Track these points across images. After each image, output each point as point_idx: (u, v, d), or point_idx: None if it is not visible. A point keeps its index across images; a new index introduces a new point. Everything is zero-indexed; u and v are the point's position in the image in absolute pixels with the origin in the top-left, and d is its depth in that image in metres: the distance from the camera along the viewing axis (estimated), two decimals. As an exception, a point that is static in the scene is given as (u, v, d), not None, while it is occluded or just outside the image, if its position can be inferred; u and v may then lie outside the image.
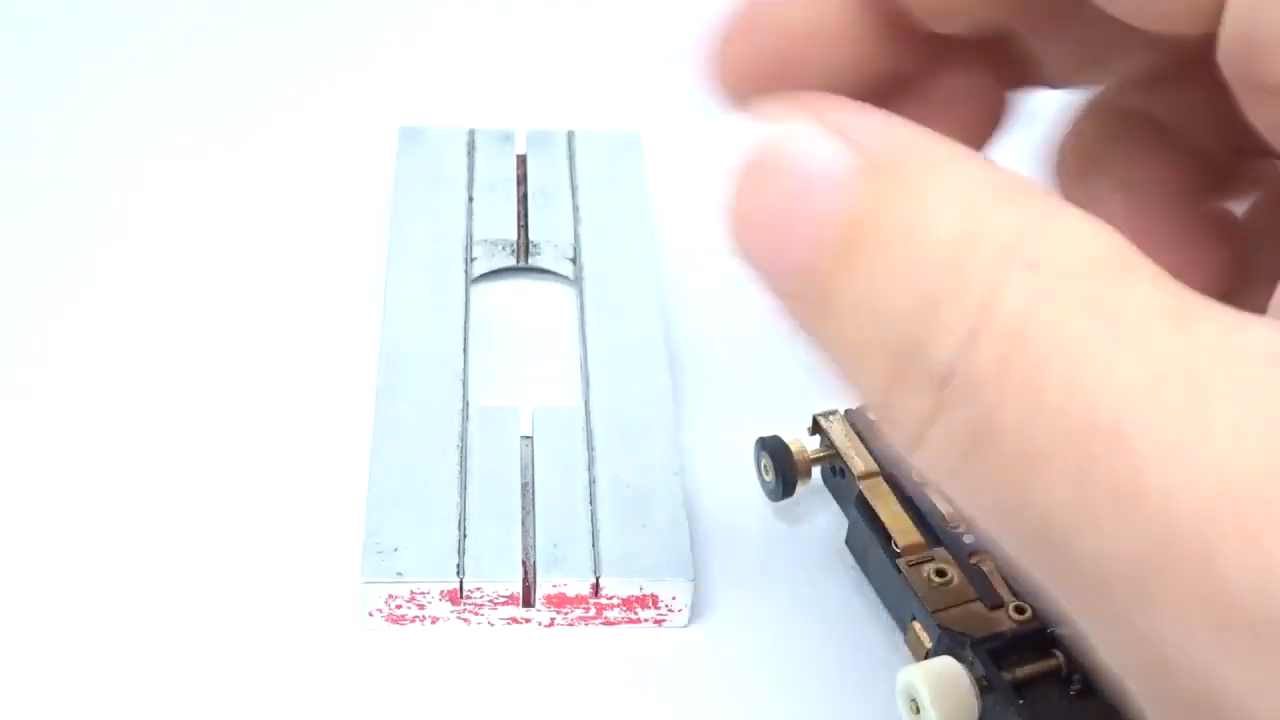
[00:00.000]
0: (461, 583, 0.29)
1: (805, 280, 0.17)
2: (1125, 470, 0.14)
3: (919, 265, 0.16)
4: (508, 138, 0.41)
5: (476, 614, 0.29)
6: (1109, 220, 0.16)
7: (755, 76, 0.20)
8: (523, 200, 0.39)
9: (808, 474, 0.31)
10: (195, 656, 0.29)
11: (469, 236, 0.38)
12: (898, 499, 0.30)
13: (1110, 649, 0.15)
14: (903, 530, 0.29)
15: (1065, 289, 0.15)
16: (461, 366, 0.34)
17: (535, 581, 0.29)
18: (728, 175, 0.18)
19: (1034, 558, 0.16)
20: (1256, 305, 0.17)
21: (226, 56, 0.46)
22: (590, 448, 0.32)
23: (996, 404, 0.15)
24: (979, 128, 0.21)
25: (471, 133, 0.41)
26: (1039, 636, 0.27)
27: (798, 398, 0.34)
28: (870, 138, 0.17)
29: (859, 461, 0.31)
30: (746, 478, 0.32)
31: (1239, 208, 0.22)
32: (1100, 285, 0.15)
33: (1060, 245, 0.15)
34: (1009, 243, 0.15)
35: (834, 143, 0.17)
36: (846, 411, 0.32)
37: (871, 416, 0.17)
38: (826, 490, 0.32)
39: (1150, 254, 0.16)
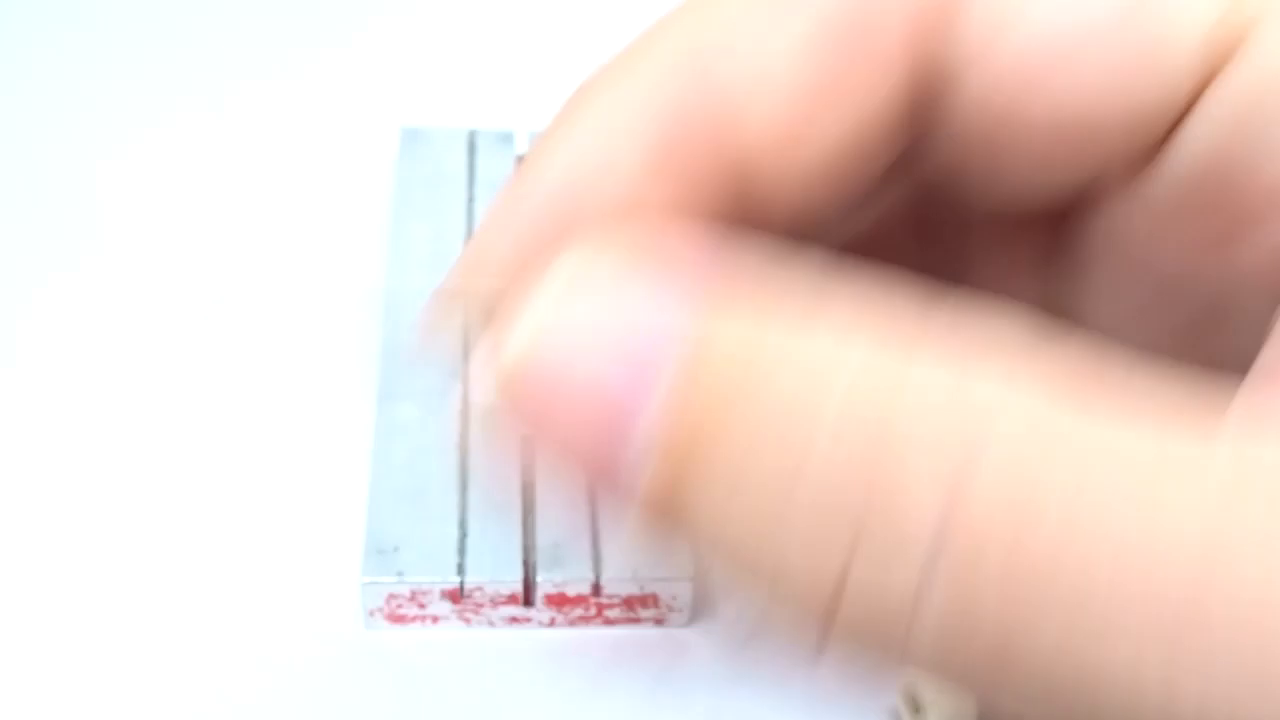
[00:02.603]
0: (462, 582, 0.29)
1: (661, 468, 0.14)
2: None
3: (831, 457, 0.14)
4: (508, 139, 0.41)
5: (477, 613, 0.29)
6: None
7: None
8: (523, 201, 0.39)
9: (808, 474, 0.31)
10: (196, 656, 0.29)
11: (469, 237, 0.38)
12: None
13: None
14: (903, 530, 0.29)
15: (1039, 441, 0.14)
16: (462, 366, 0.34)
17: (536, 581, 0.29)
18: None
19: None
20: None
21: (227, 57, 0.46)
22: (591, 447, 0.32)
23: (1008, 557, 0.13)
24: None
25: (472, 134, 0.41)
26: (1039, 636, 0.28)
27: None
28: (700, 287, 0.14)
29: (859, 461, 0.31)
30: (747, 478, 0.32)
31: None
32: (1068, 426, 0.14)
33: (1002, 394, 0.14)
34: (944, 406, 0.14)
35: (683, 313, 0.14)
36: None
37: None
38: (827, 490, 0.32)
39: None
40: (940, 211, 0.20)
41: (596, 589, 0.29)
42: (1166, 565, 0.13)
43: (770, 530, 0.14)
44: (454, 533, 0.30)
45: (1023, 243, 0.20)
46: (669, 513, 0.14)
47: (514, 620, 0.29)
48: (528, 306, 0.15)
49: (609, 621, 0.30)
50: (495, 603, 0.29)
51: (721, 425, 0.14)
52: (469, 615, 0.29)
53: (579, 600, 0.29)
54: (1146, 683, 0.13)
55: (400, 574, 0.29)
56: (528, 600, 0.29)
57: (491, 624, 0.29)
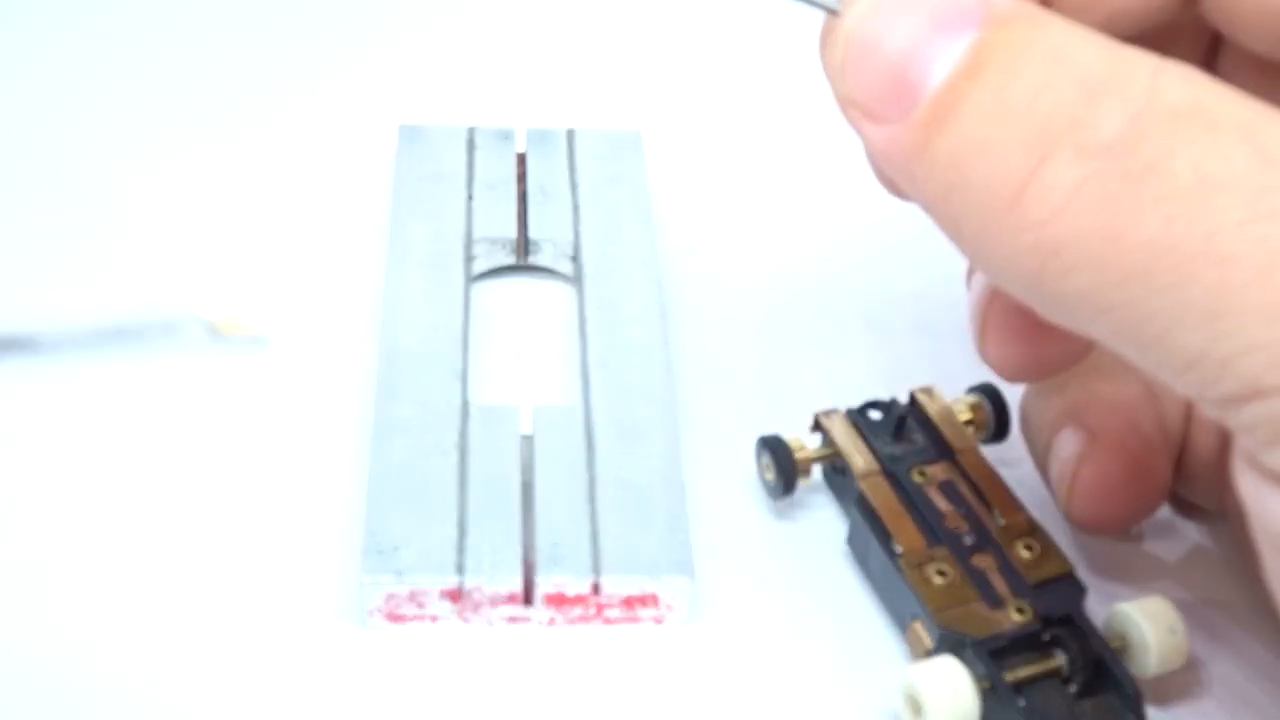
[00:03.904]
0: (461, 581, 0.29)
1: (940, 97, 0.21)
2: None
3: (1073, 74, 0.21)
4: (508, 136, 0.41)
5: (476, 613, 0.29)
6: None
7: None
8: (523, 199, 0.39)
9: (808, 473, 0.31)
10: (195, 656, 0.29)
11: (469, 235, 0.37)
12: (898, 498, 0.30)
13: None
14: (903, 530, 0.29)
15: (1217, 88, 0.21)
16: (461, 365, 0.34)
17: (535, 580, 0.29)
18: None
19: (1166, 280, 0.20)
20: None
21: (227, 55, 0.45)
22: (590, 447, 0.32)
23: (1165, 153, 0.20)
24: None
25: (471, 131, 0.41)
26: (1039, 636, 0.27)
27: (798, 397, 0.34)
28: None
29: (860, 460, 0.31)
30: (746, 477, 0.32)
31: None
32: (1214, 103, 0.21)
33: (1194, 70, 0.21)
34: (1156, 62, 0.21)
35: None
36: (848, 410, 0.32)
37: (978, 229, 0.22)
38: (827, 489, 0.32)
39: None
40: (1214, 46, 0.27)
41: (596, 588, 0.29)
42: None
43: (997, 137, 0.21)
44: (453, 532, 0.30)
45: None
46: (931, 132, 0.21)
47: (513, 620, 0.29)
48: None
49: (609, 621, 0.29)
50: (495, 602, 0.29)
51: (1000, 62, 0.21)
52: (468, 615, 0.29)
53: (579, 600, 0.29)
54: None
55: (399, 574, 0.29)
56: (527, 600, 0.29)
57: (490, 624, 0.29)
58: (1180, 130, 0.20)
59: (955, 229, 0.22)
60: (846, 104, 0.23)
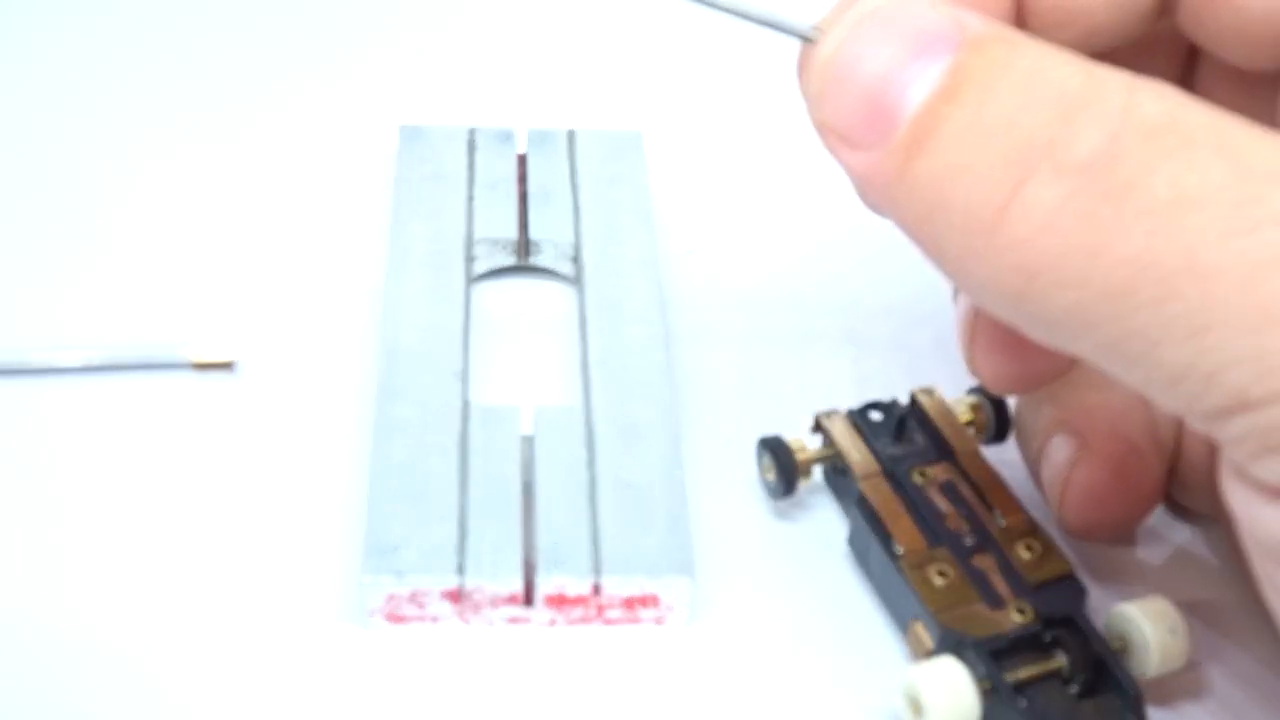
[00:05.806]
0: (462, 582, 0.29)
1: (918, 121, 0.22)
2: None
3: (1050, 93, 0.21)
4: (508, 137, 0.41)
5: (477, 613, 0.29)
6: None
7: None
8: (523, 199, 0.39)
9: (809, 473, 0.31)
10: (195, 655, 0.29)
11: (469, 235, 0.37)
12: (899, 499, 0.30)
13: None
14: (904, 530, 0.29)
15: (1192, 103, 0.21)
16: (462, 366, 0.34)
17: (536, 581, 0.29)
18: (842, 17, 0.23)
19: (1153, 290, 0.20)
20: None
21: (227, 55, 0.45)
22: (591, 447, 0.32)
23: (1143, 169, 0.20)
24: None
25: (472, 132, 0.41)
26: (1040, 637, 0.27)
27: (798, 397, 0.34)
28: (974, 19, 0.22)
29: (860, 460, 0.31)
30: (747, 477, 0.32)
31: None
32: (1191, 119, 0.21)
33: (1169, 86, 0.21)
34: (1130, 80, 0.21)
35: (946, 12, 0.22)
36: (848, 411, 0.32)
37: (960, 248, 0.22)
38: (828, 490, 0.32)
39: None
40: (1187, 59, 0.28)
41: (597, 589, 0.29)
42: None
43: (976, 159, 0.21)
44: (454, 533, 0.30)
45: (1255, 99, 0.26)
46: (911, 156, 0.22)
47: (514, 620, 0.29)
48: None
49: (609, 621, 0.29)
50: (495, 603, 0.29)
51: (977, 84, 0.21)
52: (469, 615, 0.29)
53: (579, 600, 0.29)
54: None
55: (400, 574, 0.29)
56: (528, 600, 0.29)
57: (491, 624, 0.29)
58: (1157, 146, 0.20)
59: (937, 251, 0.22)
60: (824, 131, 0.23)
